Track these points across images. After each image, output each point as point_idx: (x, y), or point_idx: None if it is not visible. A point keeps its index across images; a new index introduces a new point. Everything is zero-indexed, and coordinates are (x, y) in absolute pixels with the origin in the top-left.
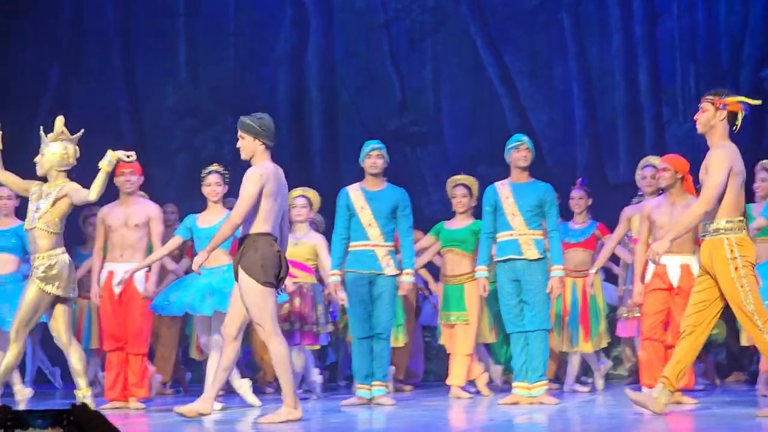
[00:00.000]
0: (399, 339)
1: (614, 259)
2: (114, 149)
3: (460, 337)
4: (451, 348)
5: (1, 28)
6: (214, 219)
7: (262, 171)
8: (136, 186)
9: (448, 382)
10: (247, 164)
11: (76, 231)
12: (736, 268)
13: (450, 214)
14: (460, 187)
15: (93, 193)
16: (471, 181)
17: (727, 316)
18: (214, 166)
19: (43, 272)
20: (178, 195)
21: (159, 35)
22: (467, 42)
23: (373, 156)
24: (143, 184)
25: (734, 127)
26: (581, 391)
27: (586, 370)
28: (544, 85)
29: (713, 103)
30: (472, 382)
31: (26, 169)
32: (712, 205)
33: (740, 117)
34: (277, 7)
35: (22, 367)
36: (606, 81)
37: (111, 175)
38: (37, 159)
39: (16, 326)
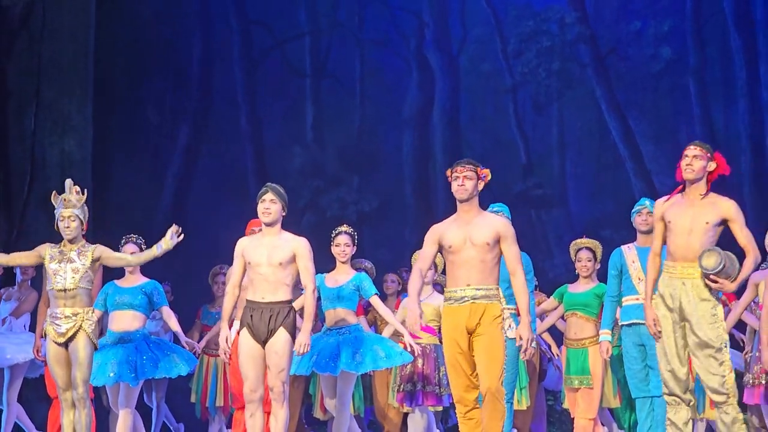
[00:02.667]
0: (522, 402)
1: (739, 325)
2: None
3: (584, 401)
4: (575, 412)
5: (131, 87)
6: (342, 279)
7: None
8: None
9: None
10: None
11: (205, 289)
12: None
13: (573, 277)
14: (584, 251)
15: (137, 260)
16: (595, 244)
17: None
18: (344, 227)
19: (91, 329)
20: None
21: (286, 97)
22: (592, 105)
23: None
24: None
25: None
26: None
27: None
28: (668, 148)
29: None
30: None
31: (152, 225)
32: None
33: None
34: (404, 69)
35: (147, 422)
36: (732, 145)
37: None
38: (68, 224)
39: (85, 386)
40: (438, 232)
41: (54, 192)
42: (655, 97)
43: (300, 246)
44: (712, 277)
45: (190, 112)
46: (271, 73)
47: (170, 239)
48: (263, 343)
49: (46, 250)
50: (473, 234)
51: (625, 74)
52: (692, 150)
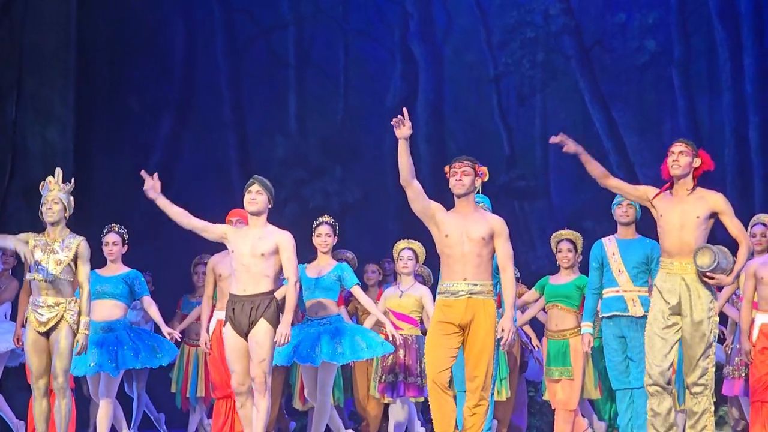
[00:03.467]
0: (502, 393)
1: (720, 317)
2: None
3: (565, 392)
4: (556, 403)
5: (113, 76)
6: (323, 269)
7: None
8: None
9: None
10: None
11: (185, 279)
12: None
13: (556, 269)
14: (564, 242)
15: (85, 288)
16: (576, 236)
17: None
18: (325, 218)
19: (73, 318)
20: None
21: (269, 86)
22: (576, 97)
23: None
24: None
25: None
26: None
27: None
28: (652, 141)
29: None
30: None
31: (134, 215)
32: None
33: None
34: (388, 60)
35: (128, 412)
36: (716, 137)
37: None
38: (51, 206)
39: (66, 376)
40: (441, 211)
41: (43, 182)
42: (640, 89)
43: (284, 239)
44: (708, 274)
45: (172, 101)
46: (254, 63)
47: (83, 331)
48: (245, 335)
49: (30, 239)
50: (470, 229)
51: (610, 66)
52: (678, 146)
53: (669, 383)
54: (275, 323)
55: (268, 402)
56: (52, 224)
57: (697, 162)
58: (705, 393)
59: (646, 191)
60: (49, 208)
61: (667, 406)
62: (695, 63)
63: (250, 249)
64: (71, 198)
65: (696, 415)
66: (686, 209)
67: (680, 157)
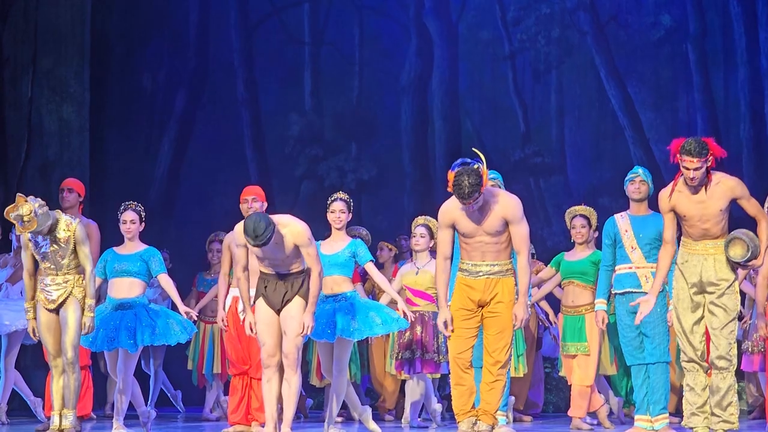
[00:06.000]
0: (519, 369)
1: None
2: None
3: (581, 368)
4: (572, 379)
5: (127, 54)
6: (337, 246)
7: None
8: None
9: (570, 413)
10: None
11: (200, 256)
12: None
13: (571, 245)
14: (578, 218)
15: (89, 268)
16: (590, 211)
17: None
18: (340, 194)
19: (81, 295)
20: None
21: (284, 64)
22: (592, 73)
23: None
24: (267, 210)
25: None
26: None
27: None
28: (668, 116)
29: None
30: (592, 414)
31: (149, 192)
32: None
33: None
34: (403, 37)
35: (145, 389)
36: (731, 113)
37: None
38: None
39: (75, 350)
40: (451, 217)
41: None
42: (655, 65)
43: (298, 235)
44: (742, 263)
45: (186, 78)
46: (268, 40)
47: (88, 313)
48: (278, 311)
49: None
50: (484, 224)
51: (625, 42)
52: (691, 163)
53: (703, 360)
54: (308, 299)
55: (299, 377)
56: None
57: (709, 161)
58: (730, 369)
59: (665, 206)
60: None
61: (702, 381)
62: (710, 38)
63: (271, 254)
64: (43, 208)
65: (721, 391)
66: (706, 204)
67: (696, 174)
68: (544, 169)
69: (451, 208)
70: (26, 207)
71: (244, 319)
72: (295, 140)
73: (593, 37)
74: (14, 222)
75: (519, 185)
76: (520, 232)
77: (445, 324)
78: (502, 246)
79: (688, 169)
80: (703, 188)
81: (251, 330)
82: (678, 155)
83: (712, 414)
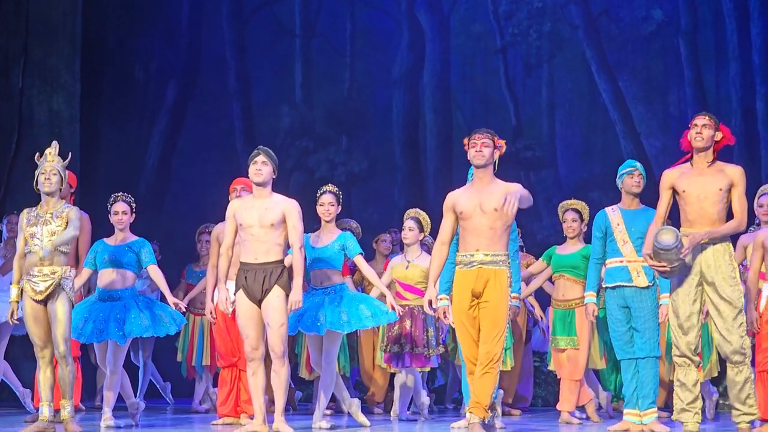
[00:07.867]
0: (507, 363)
1: None
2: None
3: (570, 362)
4: (561, 373)
5: (119, 45)
6: (326, 239)
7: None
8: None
9: (558, 407)
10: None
11: (190, 248)
12: None
13: (562, 239)
14: (570, 212)
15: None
16: (581, 205)
17: None
18: (329, 187)
19: (69, 286)
20: None
21: (275, 56)
22: (583, 67)
23: None
24: None
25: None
26: None
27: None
28: (658, 111)
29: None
30: (581, 408)
31: (139, 184)
32: None
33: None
34: (394, 30)
35: (134, 381)
36: (722, 108)
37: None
38: (49, 176)
39: (67, 343)
40: (453, 200)
41: (38, 153)
42: (646, 59)
43: (289, 207)
44: (652, 254)
45: (177, 70)
46: (260, 32)
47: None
48: (259, 302)
49: (23, 217)
50: (483, 201)
51: (616, 36)
52: (701, 119)
53: (695, 354)
54: (288, 290)
55: (287, 368)
56: (48, 195)
57: (719, 135)
58: (745, 362)
59: (666, 181)
60: (47, 179)
61: (693, 377)
62: (702, 33)
63: (258, 220)
64: (66, 173)
65: (738, 385)
66: (707, 181)
67: (703, 130)
68: (534, 162)
69: (456, 192)
70: (55, 161)
71: (232, 312)
72: (286, 132)
73: (584, 31)
74: (38, 163)
75: (509, 179)
76: (520, 200)
77: (445, 314)
78: (498, 233)
79: (696, 125)
80: (706, 166)
81: (225, 306)
82: (689, 126)
83: (733, 408)
